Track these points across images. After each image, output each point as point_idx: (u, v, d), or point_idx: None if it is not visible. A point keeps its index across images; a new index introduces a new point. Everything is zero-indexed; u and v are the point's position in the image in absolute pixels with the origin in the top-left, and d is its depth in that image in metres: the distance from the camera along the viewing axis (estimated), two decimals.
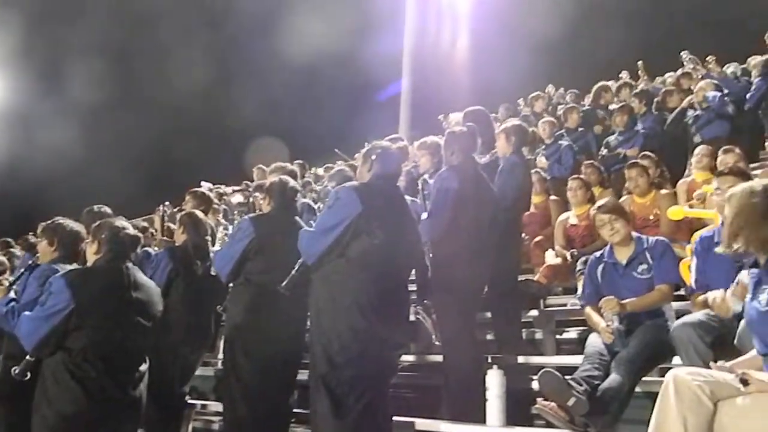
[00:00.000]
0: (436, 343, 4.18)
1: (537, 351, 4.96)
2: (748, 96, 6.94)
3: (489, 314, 4.84)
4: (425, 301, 4.15)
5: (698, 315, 3.36)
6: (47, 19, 16.50)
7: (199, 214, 4.85)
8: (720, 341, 3.13)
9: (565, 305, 5.28)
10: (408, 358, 4.83)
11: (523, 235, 6.13)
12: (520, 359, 4.42)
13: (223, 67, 17.89)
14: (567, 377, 3.42)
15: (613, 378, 3.37)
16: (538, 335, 5.12)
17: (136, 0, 17.23)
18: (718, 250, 2.88)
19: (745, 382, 2.53)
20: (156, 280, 4.20)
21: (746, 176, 3.61)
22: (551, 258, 5.65)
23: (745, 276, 2.85)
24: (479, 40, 16.10)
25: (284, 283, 3.79)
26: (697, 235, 3.82)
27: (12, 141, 14.96)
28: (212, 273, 4.46)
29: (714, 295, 3.07)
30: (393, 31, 16.30)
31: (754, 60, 8.42)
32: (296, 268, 3.79)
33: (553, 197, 6.47)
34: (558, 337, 5.05)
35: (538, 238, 6.04)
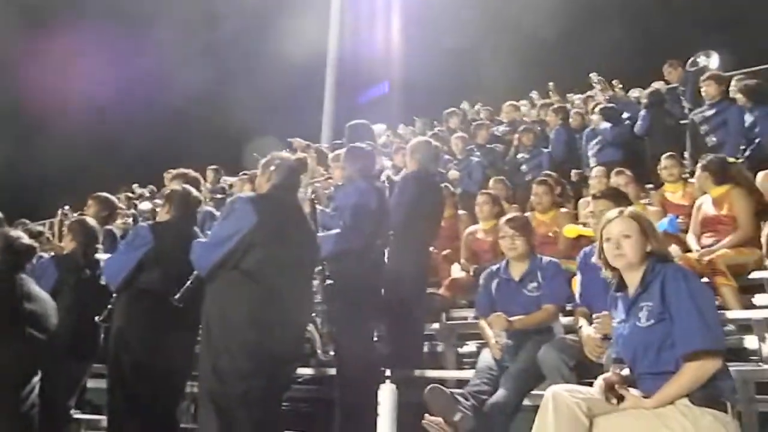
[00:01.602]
0: (321, 357, 4.16)
1: (439, 364, 5.00)
2: (636, 126, 7.25)
3: (388, 327, 4.85)
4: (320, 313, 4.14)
5: (566, 338, 3.50)
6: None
7: (90, 220, 4.67)
8: (584, 364, 3.26)
9: (466, 319, 5.35)
10: (306, 372, 4.77)
11: (432, 248, 6.25)
12: (417, 373, 4.43)
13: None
14: (458, 391, 3.47)
15: (500, 393, 3.45)
16: (440, 348, 5.17)
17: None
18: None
19: (620, 398, 2.64)
20: (41, 288, 4.01)
21: (622, 198, 3.73)
22: (456, 272, 5.75)
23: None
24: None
25: (178, 295, 3.72)
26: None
27: None
28: (102, 282, 4.29)
29: (587, 332, 3.21)
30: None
31: (656, 85, 8.90)
32: (191, 280, 3.73)
33: (461, 211, 6.58)
34: (459, 350, 5.11)
35: (445, 252, 6.13)
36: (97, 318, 4.25)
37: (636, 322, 2.71)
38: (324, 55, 14.48)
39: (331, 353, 4.17)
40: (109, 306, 4.14)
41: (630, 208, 2.94)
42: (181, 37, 15.64)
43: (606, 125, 7.26)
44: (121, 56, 16.36)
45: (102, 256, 4.49)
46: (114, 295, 4.11)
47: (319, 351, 4.10)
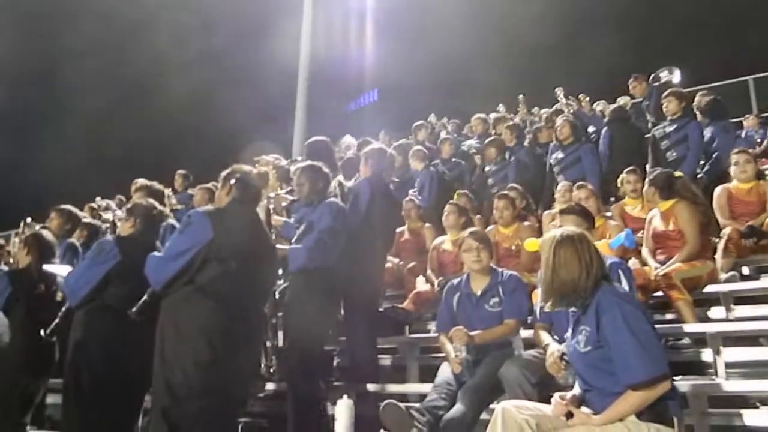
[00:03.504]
0: (264, 373, 4.14)
1: (401, 378, 5.00)
2: (600, 142, 7.33)
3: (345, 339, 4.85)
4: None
5: (527, 355, 3.51)
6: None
7: (47, 234, 4.58)
8: (546, 380, 3.28)
9: (429, 332, 5.36)
10: (267, 386, 4.73)
11: (398, 260, 6.26)
12: (377, 387, 4.42)
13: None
14: (414, 406, 3.47)
15: (457, 408, 3.45)
16: (403, 362, 5.17)
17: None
18: None
19: (569, 415, 2.67)
20: None
21: (587, 216, 3.80)
22: (421, 284, 5.77)
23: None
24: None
25: (135, 308, 3.66)
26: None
27: None
28: (57, 298, 4.21)
29: (552, 350, 3.23)
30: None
31: (622, 100, 9.05)
32: (147, 294, 3.67)
33: (427, 225, 6.60)
34: (422, 364, 5.11)
35: (410, 264, 6.15)
36: (42, 332, 4.13)
37: (576, 345, 2.76)
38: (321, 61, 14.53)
39: (272, 370, 4.15)
40: (56, 321, 4.04)
41: (562, 231, 2.91)
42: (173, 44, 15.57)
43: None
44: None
45: (56, 269, 4.38)
46: (66, 309, 4.02)
47: (262, 366, 4.06)
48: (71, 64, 15.58)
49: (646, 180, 5.11)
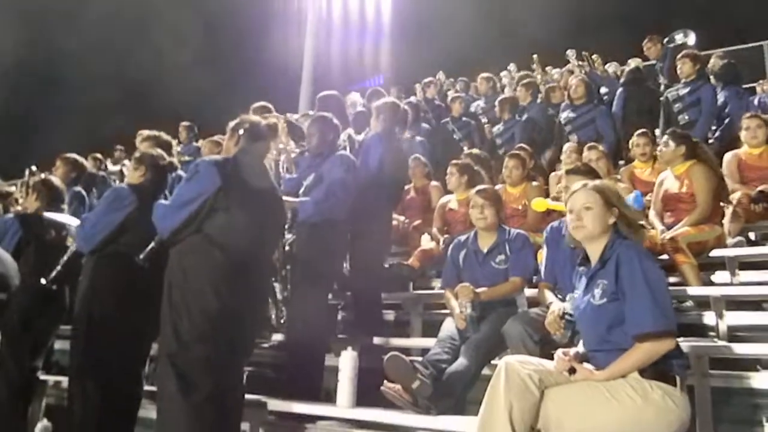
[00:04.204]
0: (273, 322, 4.18)
1: (404, 333, 5.06)
2: (614, 103, 7.24)
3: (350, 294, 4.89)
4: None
5: (530, 312, 3.53)
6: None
7: (55, 180, 4.57)
8: (548, 338, 3.28)
9: (433, 289, 5.40)
10: (274, 337, 4.79)
11: (403, 218, 6.26)
12: (382, 340, 4.47)
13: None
14: (417, 359, 3.51)
15: (460, 362, 3.48)
16: (407, 317, 5.22)
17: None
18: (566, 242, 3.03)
19: (572, 371, 2.69)
20: (3, 248, 3.94)
21: (594, 176, 3.76)
22: (426, 242, 5.78)
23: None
24: None
25: (142, 255, 3.67)
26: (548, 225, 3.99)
27: None
28: (67, 243, 4.22)
29: (554, 308, 3.25)
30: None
31: (634, 62, 8.90)
32: (154, 241, 3.69)
33: (434, 183, 6.58)
34: (425, 319, 5.16)
35: (416, 222, 6.15)
36: (42, 280, 4.12)
37: (590, 298, 2.75)
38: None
39: (282, 320, 4.18)
40: (58, 268, 4.03)
41: (596, 181, 2.96)
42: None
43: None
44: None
45: (59, 217, 4.37)
46: (68, 258, 4.00)
47: (273, 316, 4.09)
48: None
49: (669, 136, 4.96)
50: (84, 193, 6.29)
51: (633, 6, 13.98)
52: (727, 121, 6.32)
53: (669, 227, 4.62)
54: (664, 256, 4.50)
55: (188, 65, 16.12)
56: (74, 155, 6.34)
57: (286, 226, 4.35)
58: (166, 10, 15.55)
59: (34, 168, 6.75)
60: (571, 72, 8.56)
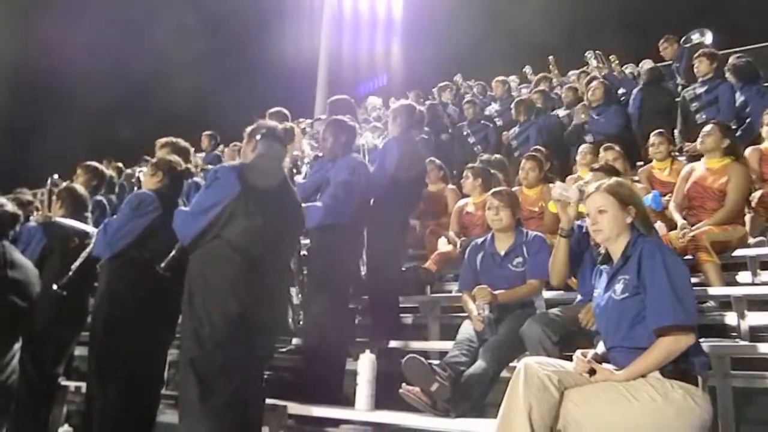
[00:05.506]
0: (291, 326, 4.20)
1: (422, 336, 5.06)
2: (630, 103, 7.19)
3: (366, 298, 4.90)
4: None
5: (549, 313, 3.52)
6: None
7: (80, 188, 4.63)
8: (567, 339, 3.29)
9: (450, 292, 5.39)
10: (293, 341, 4.81)
11: (417, 221, 6.27)
12: (400, 343, 4.47)
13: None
14: (435, 362, 3.51)
15: (478, 365, 3.48)
16: (424, 321, 5.22)
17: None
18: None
19: (591, 371, 2.68)
20: (27, 256, 4.00)
21: (617, 174, 3.77)
22: (443, 245, 5.78)
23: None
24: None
25: (163, 263, 3.71)
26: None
27: None
28: (90, 251, 4.27)
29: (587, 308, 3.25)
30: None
31: (646, 64, 8.84)
32: (175, 249, 3.72)
33: (450, 186, 6.58)
34: (443, 323, 5.16)
35: (432, 226, 6.16)
36: (54, 286, 4.12)
37: (612, 294, 2.75)
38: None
39: (301, 323, 4.20)
40: (69, 275, 4.06)
41: (610, 180, 2.95)
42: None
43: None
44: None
45: (72, 224, 4.41)
46: (80, 264, 4.04)
47: (290, 321, 4.11)
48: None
49: (716, 127, 4.86)
50: (105, 201, 6.37)
51: (644, 7, 13.90)
52: (748, 121, 6.23)
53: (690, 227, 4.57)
54: (688, 257, 4.47)
55: (217, 81, 16.33)
56: (94, 163, 6.41)
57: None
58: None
59: (56, 176, 6.86)
60: (587, 73, 8.53)
